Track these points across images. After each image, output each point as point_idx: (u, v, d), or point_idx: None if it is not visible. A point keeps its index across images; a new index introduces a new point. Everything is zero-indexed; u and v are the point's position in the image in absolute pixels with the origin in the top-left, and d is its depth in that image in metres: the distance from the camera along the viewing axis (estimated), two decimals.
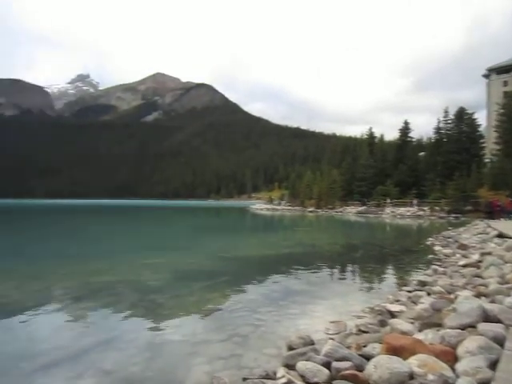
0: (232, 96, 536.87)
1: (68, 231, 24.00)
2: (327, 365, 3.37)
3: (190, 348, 4.51)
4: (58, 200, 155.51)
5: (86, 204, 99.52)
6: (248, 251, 13.40)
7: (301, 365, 3.40)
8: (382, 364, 3.01)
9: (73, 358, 4.29)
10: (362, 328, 4.62)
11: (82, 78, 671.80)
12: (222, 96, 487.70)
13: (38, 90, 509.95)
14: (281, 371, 3.43)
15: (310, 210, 52.78)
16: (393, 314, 5.16)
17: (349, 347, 3.83)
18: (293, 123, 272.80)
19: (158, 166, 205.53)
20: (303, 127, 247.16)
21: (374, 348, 3.67)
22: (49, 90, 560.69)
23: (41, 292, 7.45)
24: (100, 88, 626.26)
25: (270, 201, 74.46)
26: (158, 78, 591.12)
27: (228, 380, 3.51)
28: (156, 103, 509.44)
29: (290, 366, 3.56)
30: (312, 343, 4.19)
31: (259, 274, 9.12)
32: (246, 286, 7.88)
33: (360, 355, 3.54)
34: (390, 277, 9.05)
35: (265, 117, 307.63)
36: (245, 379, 3.47)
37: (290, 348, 4.12)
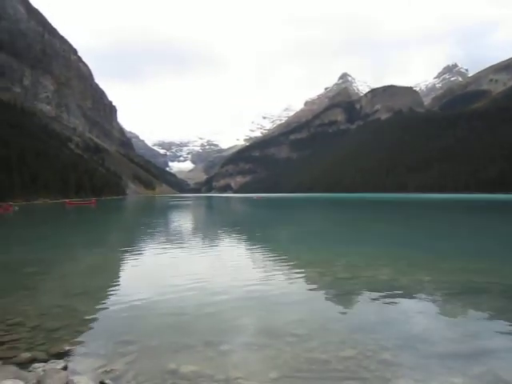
0: None
1: (445, 227, 24.35)
2: None
3: None
4: (428, 194, 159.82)
5: (453, 198, 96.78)
6: None
7: None
8: None
9: (466, 356, 4.31)
10: None
11: (450, 69, 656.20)
12: None
13: (407, 90, 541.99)
14: None
15: None
16: None
17: None
18: None
19: None
20: None
21: None
22: (417, 89, 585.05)
23: (425, 281, 7.88)
24: (469, 75, 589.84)
25: None
26: None
27: None
28: None
29: None
30: None
31: None
32: None
33: None
34: None
35: None
36: None
37: None
